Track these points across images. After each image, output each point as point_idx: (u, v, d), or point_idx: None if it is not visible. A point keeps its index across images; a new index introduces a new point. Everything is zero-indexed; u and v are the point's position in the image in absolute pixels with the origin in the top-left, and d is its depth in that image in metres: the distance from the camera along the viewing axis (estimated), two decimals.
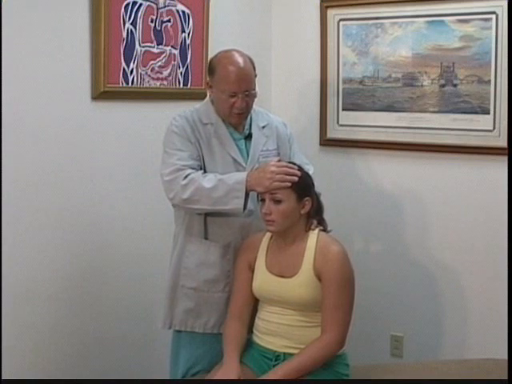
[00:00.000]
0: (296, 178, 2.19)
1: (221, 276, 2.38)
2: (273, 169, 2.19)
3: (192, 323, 2.40)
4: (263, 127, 2.47)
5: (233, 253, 2.37)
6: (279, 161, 2.29)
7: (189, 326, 2.40)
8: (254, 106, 2.44)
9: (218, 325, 2.38)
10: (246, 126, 2.43)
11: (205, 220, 2.37)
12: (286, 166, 2.23)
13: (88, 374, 2.64)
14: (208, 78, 2.40)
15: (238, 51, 2.36)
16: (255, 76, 2.37)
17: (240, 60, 2.31)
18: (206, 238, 2.38)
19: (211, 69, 2.36)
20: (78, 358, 2.64)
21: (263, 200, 2.22)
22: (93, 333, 2.69)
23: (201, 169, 2.32)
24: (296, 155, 2.54)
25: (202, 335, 2.40)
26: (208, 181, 2.24)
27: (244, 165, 2.37)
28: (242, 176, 2.24)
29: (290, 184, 2.18)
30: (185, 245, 2.40)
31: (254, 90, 2.35)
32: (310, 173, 2.41)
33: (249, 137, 2.43)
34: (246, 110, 2.35)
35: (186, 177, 2.24)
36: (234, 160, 2.36)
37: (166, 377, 2.56)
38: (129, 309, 2.81)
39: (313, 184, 2.30)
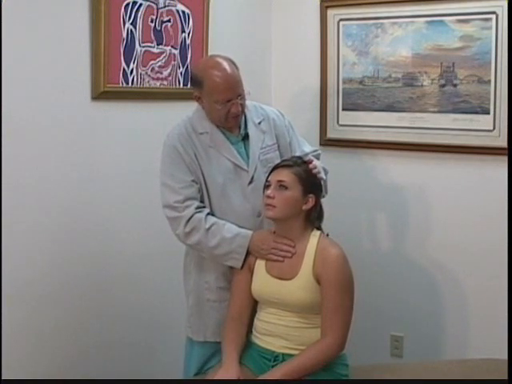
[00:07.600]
0: (290, 255, 2.21)
1: None
2: (273, 244, 2.23)
3: None
4: (259, 123, 2.42)
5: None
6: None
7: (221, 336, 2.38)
8: (246, 102, 2.37)
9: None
10: (242, 126, 2.39)
11: None
12: (285, 244, 2.23)
13: (89, 377, 2.64)
14: (194, 91, 2.32)
15: (219, 56, 2.29)
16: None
17: (225, 66, 2.24)
18: None
19: (197, 81, 2.28)
20: (79, 359, 2.63)
21: (269, 186, 2.22)
22: (94, 335, 2.68)
23: (198, 191, 2.30)
24: (299, 144, 2.52)
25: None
26: (212, 235, 2.25)
27: (246, 167, 2.34)
28: (245, 241, 2.26)
29: (282, 259, 2.21)
30: (203, 257, 2.39)
31: (245, 90, 2.30)
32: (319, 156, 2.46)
33: (246, 137, 2.39)
34: (241, 112, 2.32)
35: (188, 221, 2.25)
36: (235, 165, 2.33)
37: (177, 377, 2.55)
38: (133, 312, 2.81)
39: (320, 188, 2.29)
